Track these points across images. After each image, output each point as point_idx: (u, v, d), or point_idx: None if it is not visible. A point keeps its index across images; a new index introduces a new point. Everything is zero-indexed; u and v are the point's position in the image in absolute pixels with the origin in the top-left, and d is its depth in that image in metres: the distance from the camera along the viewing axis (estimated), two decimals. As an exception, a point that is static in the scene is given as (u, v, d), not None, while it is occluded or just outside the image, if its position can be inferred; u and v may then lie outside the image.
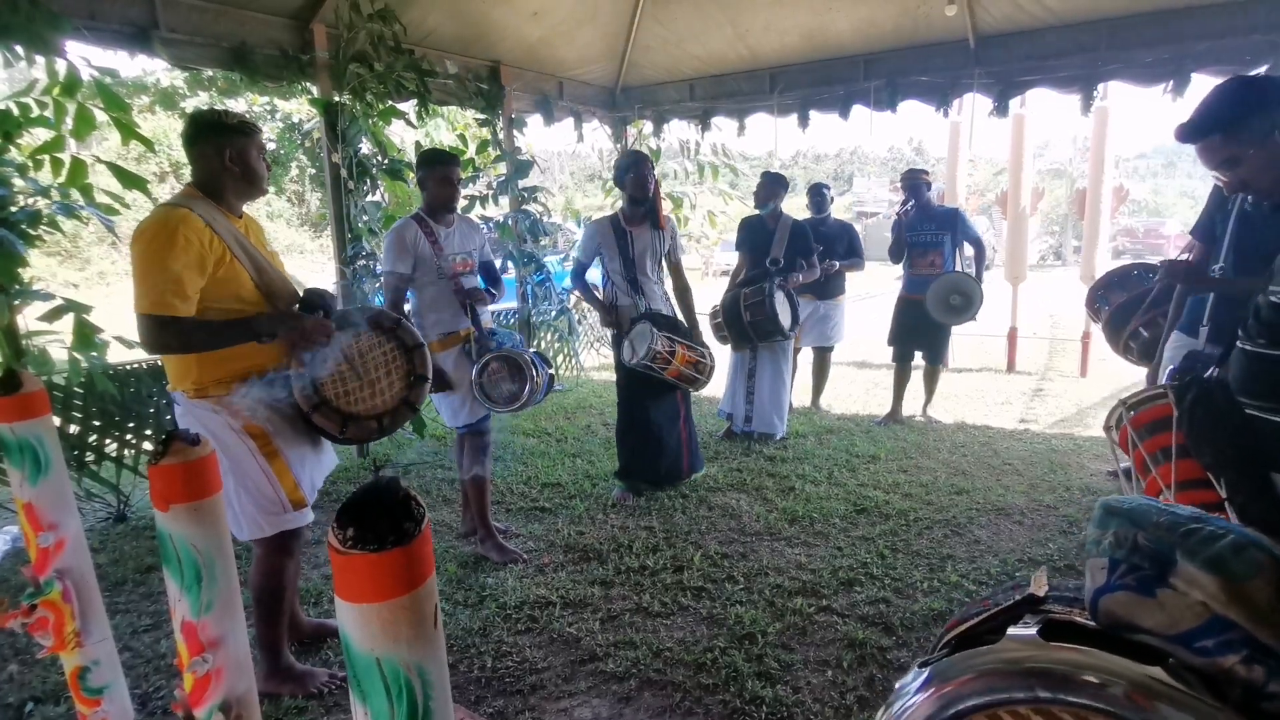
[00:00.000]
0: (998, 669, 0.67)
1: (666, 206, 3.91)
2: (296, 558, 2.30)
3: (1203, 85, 4.34)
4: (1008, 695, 0.65)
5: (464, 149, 5.65)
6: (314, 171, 15.86)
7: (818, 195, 5.29)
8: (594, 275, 3.96)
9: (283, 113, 12.78)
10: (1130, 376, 6.28)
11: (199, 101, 12.75)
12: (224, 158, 2.04)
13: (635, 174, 3.61)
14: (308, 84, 4.60)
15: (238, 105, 12.10)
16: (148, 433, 3.94)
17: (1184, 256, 3.64)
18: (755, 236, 4.70)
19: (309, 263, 14.78)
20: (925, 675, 0.72)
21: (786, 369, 4.76)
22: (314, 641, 2.56)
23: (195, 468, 1.12)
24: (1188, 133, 1.73)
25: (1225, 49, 4.13)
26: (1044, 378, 6.91)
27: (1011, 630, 0.70)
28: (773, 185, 4.70)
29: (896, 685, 0.75)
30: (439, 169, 2.97)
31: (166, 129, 13.12)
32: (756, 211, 4.79)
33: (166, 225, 1.91)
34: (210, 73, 10.11)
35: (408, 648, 0.72)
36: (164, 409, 3.96)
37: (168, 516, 1.11)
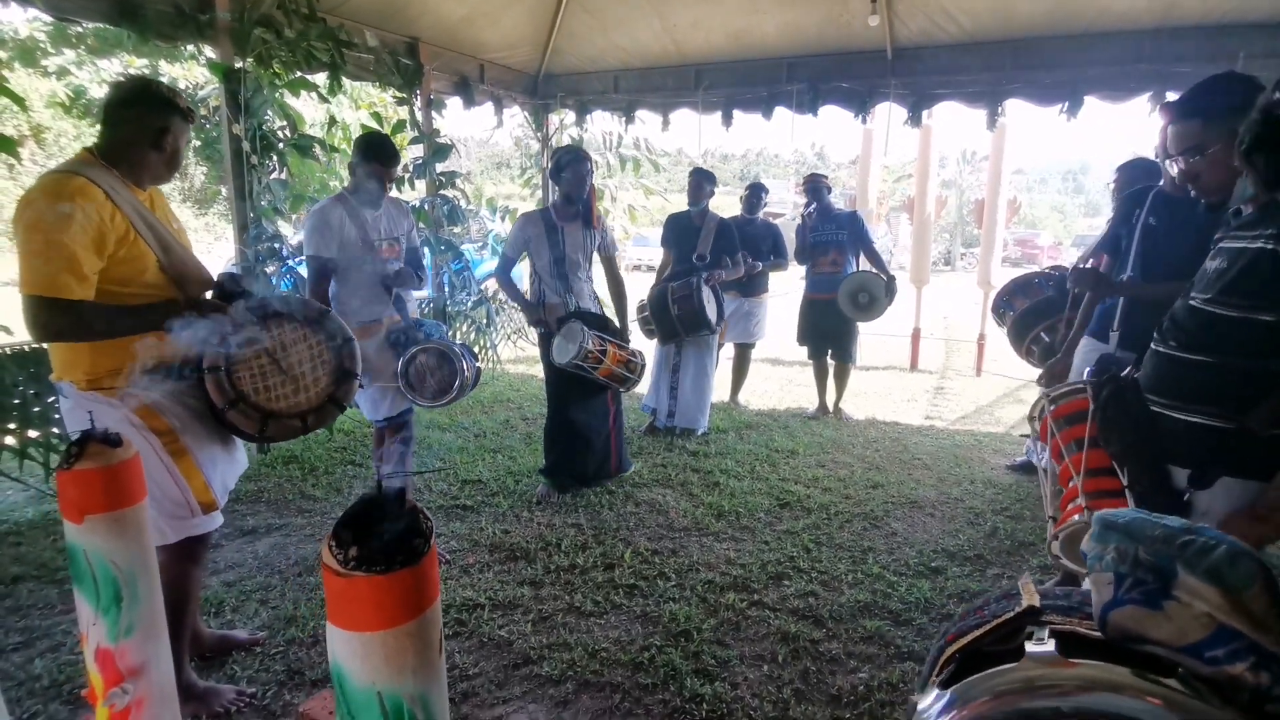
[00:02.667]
0: (1024, 688, 0.67)
1: (598, 205, 3.85)
2: (202, 565, 2.10)
3: (1094, 108, 4.70)
4: (1034, 711, 0.66)
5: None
6: (198, 144, 14.65)
7: (755, 196, 5.29)
8: (519, 270, 3.85)
9: (168, 77, 11.75)
10: (1022, 377, 6.75)
11: (63, 60, 11.54)
12: (162, 136, 1.87)
13: (574, 172, 3.51)
14: (205, 47, 4.21)
15: (112, 65, 11.03)
16: (11, 426, 3.50)
17: (1087, 264, 3.93)
18: (682, 233, 4.71)
19: (194, 241, 13.68)
20: (948, 698, 0.72)
21: (710, 365, 4.81)
22: (216, 655, 2.35)
23: (116, 472, 0.98)
24: (1174, 112, 1.81)
25: (1115, 75, 4.49)
26: (944, 376, 7.32)
27: (1029, 647, 0.71)
28: (702, 181, 4.73)
29: (918, 708, 0.74)
30: (374, 165, 2.80)
31: (27, 88, 11.79)
32: (683, 209, 4.81)
33: (60, 196, 1.68)
34: (81, 27, 9.16)
35: (413, 678, 0.64)
36: (31, 400, 3.54)
37: (82, 529, 0.96)
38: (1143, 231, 2.48)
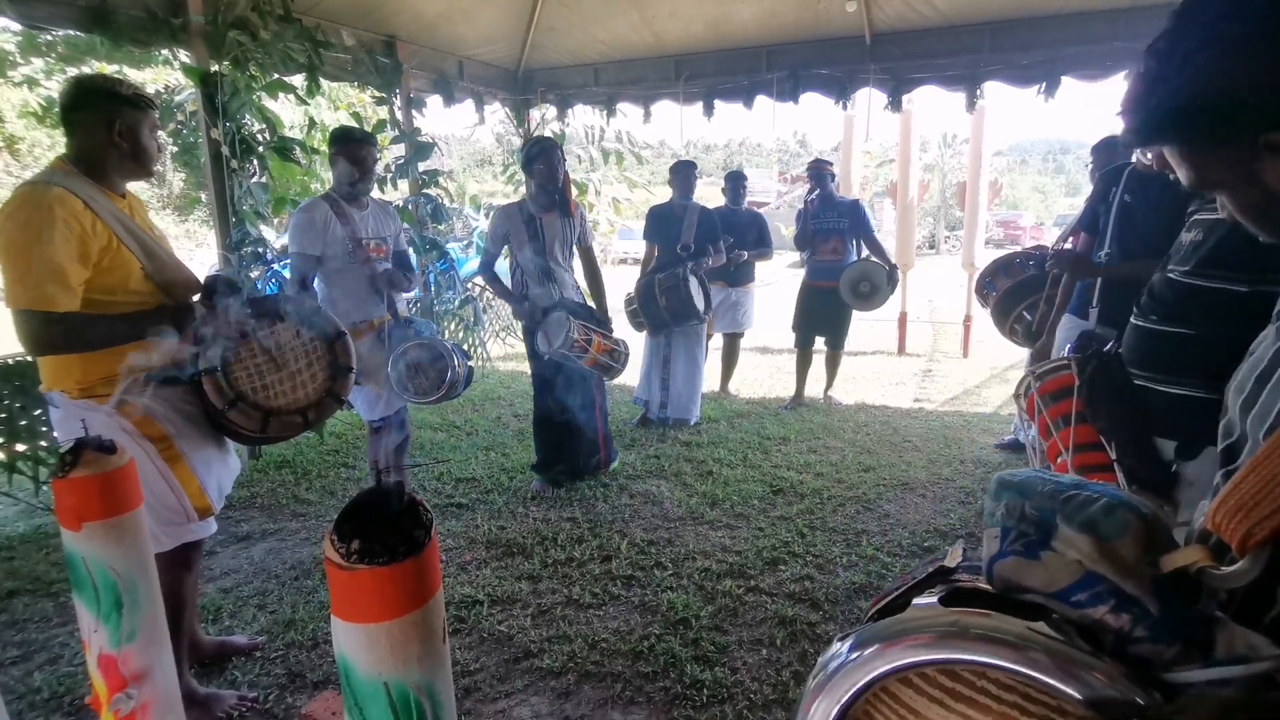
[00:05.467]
0: (902, 633, 0.69)
1: (573, 193, 3.84)
2: (197, 572, 2.09)
3: (1071, 87, 4.74)
4: (911, 660, 0.67)
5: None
6: (175, 149, 14.47)
7: (736, 186, 5.25)
8: (501, 265, 3.83)
9: (137, 82, 11.59)
10: (1008, 358, 6.82)
11: (32, 69, 11.35)
12: (111, 131, 1.80)
13: (545, 162, 3.50)
14: (178, 51, 4.16)
15: (84, 72, 10.85)
16: (-2, 440, 3.47)
17: (1067, 243, 3.96)
18: (665, 225, 4.72)
19: (176, 248, 13.53)
20: (850, 643, 0.72)
21: (700, 355, 4.82)
22: (216, 661, 2.35)
23: (112, 479, 0.98)
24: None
25: (1091, 55, 4.52)
26: (931, 359, 7.38)
27: (916, 600, 0.73)
28: (692, 172, 4.74)
29: (819, 660, 0.75)
30: (351, 148, 2.79)
31: (-2, 99, 11.61)
32: (662, 201, 4.82)
33: (39, 207, 1.66)
34: (51, 35, 9.02)
35: (418, 666, 0.65)
36: (18, 413, 3.51)
37: (80, 536, 0.96)
38: (1119, 209, 2.52)
